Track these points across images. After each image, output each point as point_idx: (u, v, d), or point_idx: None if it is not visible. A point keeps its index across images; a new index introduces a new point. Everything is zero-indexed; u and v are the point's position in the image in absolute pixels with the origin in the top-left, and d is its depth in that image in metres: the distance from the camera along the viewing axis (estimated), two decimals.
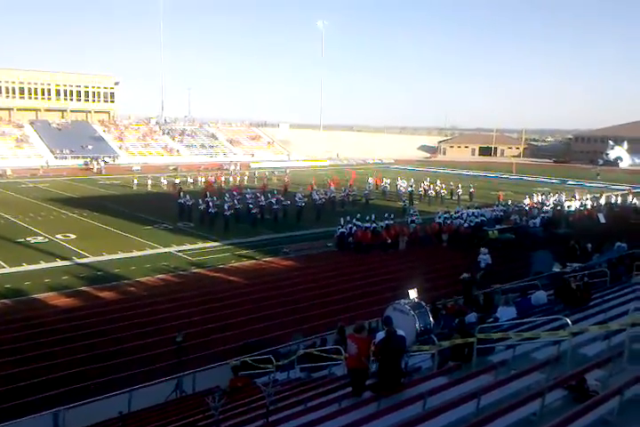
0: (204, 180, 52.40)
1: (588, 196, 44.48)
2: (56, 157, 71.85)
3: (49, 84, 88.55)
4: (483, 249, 21.91)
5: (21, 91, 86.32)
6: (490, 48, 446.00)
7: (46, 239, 29.87)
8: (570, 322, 8.18)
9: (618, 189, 55.51)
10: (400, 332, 7.75)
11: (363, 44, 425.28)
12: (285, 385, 11.08)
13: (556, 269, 19.94)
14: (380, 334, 7.73)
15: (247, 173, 61.31)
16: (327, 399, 8.12)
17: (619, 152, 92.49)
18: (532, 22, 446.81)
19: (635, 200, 43.84)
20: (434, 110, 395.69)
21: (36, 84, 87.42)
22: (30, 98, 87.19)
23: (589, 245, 23.73)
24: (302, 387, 10.33)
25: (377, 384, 7.87)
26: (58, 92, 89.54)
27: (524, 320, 10.87)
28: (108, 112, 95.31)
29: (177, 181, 50.48)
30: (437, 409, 6.30)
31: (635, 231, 29.06)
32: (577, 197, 43.84)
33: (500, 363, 8.15)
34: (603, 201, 43.79)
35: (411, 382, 8.06)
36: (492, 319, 11.77)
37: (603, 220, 36.37)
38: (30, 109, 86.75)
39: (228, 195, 38.51)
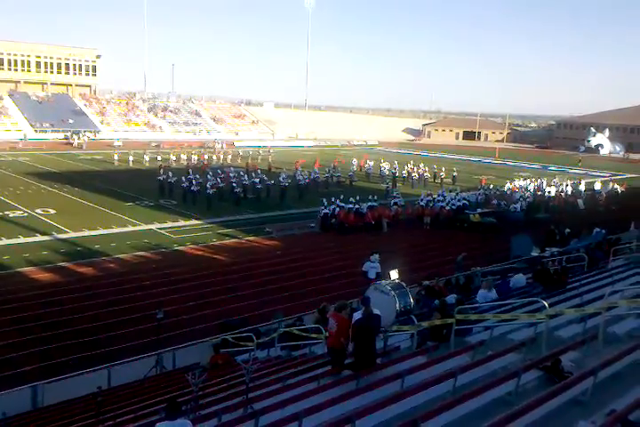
0: (196, 158, 51.91)
1: (568, 182, 44.97)
2: (36, 131, 70.48)
3: (29, 56, 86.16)
4: (373, 256, 16.65)
5: (0, 62, 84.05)
6: (477, 33, 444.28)
7: (25, 214, 29.47)
8: (547, 305, 8.31)
9: (598, 176, 56.16)
10: (376, 311, 7.81)
11: (350, 24, 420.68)
12: (265, 363, 11.16)
13: (535, 253, 20.24)
14: (357, 315, 7.77)
15: (231, 152, 60.79)
16: (306, 377, 8.21)
17: (600, 139, 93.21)
18: (520, 6, 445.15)
19: (605, 188, 44.51)
20: (419, 93, 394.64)
21: (15, 54, 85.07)
22: (10, 69, 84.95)
23: (568, 231, 24.07)
24: (282, 365, 10.41)
25: (353, 364, 7.96)
26: (38, 64, 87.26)
27: (502, 302, 11.02)
28: (90, 86, 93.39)
29: (159, 157, 49.97)
30: (415, 388, 6.41)
31: (613, 218, 29.54)
32: (557, 182, 44.31)
33: (478, 344, 8.28)
34: (582, 187, 44.34)
35: (389, 362, 8.17)
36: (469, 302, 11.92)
37: (582, 206, 36.91)
38: (9, 81, 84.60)
39: (211, 173, 38.24)
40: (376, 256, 16.73)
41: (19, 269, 20.59)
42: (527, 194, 38.80)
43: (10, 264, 21.08)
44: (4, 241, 24.09)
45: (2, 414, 10.71)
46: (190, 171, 39.52)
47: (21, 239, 24.56)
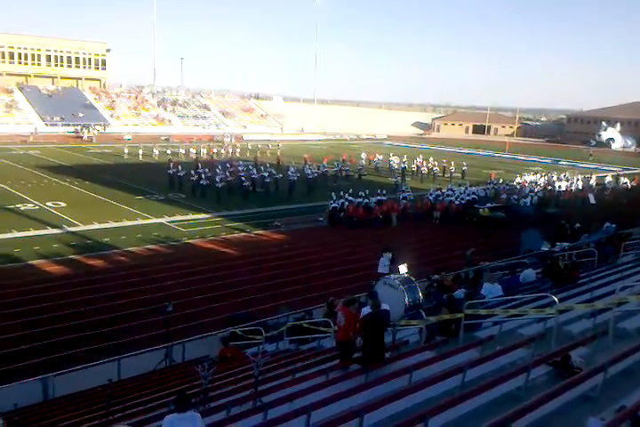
0: (206, 151, 52.26)
1: (579, 176, 44.63)
2: (46, 124, 70.79)
3: (39, 50, 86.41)
4: (385, 254, 16.11)
5: (11, 55, 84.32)
6: (486, 27, 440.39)
7: (36, 207, 29.64)
8: (557, 300, 8.27)
9: (609, 171, 55.69)
10: (384, 306, 7.79)
11: (358, 19, 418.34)
12: (274, 356, 11.20)
13: (545, 247, 20.13)
14: (366, 310, 7.77)
15: (239, 146, 60.82)
16: (315, 371, 8.22)
17: (611, 133, 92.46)
18: (527, 1, 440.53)
19: (612, 183, 44.06)
20: (428, 87, 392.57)
21: (25, 48, 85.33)
22: (20, 63, 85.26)
23: (578, 225, 23.90)
24: (291, 358, 10.44)
25: (362, 358, 7.97)
26: (48, 58, 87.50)
27: (512, 297, 10.98)
28: (100, 80, 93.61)
29: (168, 151, 50.18)
30: (423, 382, 6.40)
31: (624, 212, 29.32)
32: (568, 176, 43.98)
33: (487, 339, 8.25)
34: (593, 182, 43.97)
35: (398, 356, 8.17)
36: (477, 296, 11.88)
37: (593, 200, 36.64)
38: (19, 75, 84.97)
39: (220, 167, 38.28)
40: (389, 255, 16.10)
41: (29, 262, 20.74)
42: (537, 188, 38.54)
43: (20, 257, 21.25)
44: (15, 234, 24.26)
45: (13, 406, 10.83)
46: (199, 164, 39.58)
47: (32, 232, 24.72)
